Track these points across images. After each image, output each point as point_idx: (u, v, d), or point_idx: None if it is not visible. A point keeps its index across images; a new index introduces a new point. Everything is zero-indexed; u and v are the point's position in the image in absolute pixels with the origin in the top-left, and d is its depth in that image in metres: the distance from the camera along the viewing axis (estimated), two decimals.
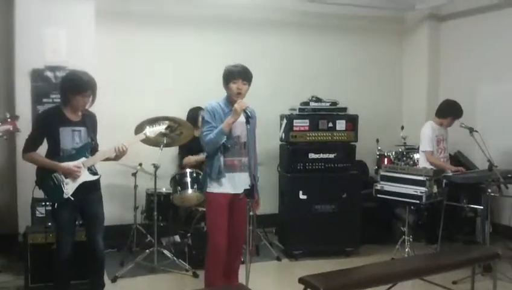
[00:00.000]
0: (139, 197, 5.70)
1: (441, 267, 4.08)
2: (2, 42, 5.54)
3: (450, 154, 6.21)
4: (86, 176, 4.06)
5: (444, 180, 5.39)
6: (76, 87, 3.96)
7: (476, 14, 6.71)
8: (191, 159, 5.60)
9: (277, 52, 6.73)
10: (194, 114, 5.77)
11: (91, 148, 4.14)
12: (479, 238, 5.62)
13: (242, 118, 3.90)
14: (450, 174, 5.42)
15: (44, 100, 5.24)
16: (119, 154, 4.17)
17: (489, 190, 5.00)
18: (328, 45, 7.03)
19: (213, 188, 4.02)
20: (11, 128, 3.76)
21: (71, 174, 3.96)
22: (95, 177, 4.14)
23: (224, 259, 4.02)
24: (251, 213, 3.69)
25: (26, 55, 5.20)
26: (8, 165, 5.55)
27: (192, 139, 5.30)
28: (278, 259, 5.64)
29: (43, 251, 4.43)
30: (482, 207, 5.17)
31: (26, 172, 4.53)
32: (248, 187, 3.66)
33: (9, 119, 3.79)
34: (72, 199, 3.97)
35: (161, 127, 4.66)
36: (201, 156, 5.32)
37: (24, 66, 5.21)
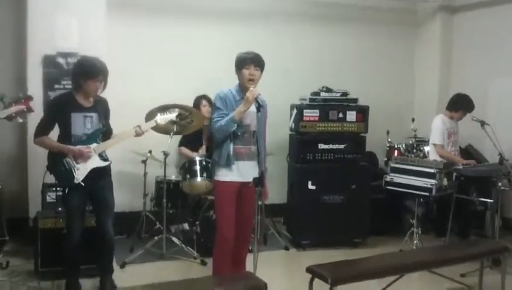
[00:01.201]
0: (148, 184, 5.73)
1: (448, 260, 4.08)
2: (15, 29, 5.56)
3: (460, 147, 6.18)
4: (96, 162, 4.09)
5: (455, 173, 5.37)
6: (88, 72, 3.98)
7: (489, 6, 6.64)
8: (184, 151, 5.64)
9: (288, 42, 6.71)
10: (197, 102, 5.81)
11: (102, 134, 4.16)
12: (488, 232, 5.60)
13: (253, 107, 3.89)
14: (461, 167, 5.39)
15: (56, 86, 5.27)
16: (138, 135, 4.25)
17: (499, 184, 4.99)
18: (340, 36, 6.99)
19: (221, 176, 4.02)
20: (25, 108, 3.74)
21: (82, 156, 3.98)
22: (105, 163, 4.17)
23: (232, 247, 4.03)
24: (260, 202, 3.69)
25: (38, 42, 5.21)
26: (19, 151, 5.60)
27: (194, 132, 5.33)
28: (286, 248, 5.66)
29: (53, 236, 4.46)
30: (492, 201, 5.15)
31: (37, 157, 4.56)
32: (257, 176, 3.65)
33: (22, 100, 3.77)
34: (83, 184, 4.00)
35: (172, 115, 4.68)
36: (193, 155, 5.36)
37: (36, 52, 5.22)
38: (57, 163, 4.00)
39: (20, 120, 3.77)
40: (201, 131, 5.61)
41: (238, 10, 6.46)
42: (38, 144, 4.08)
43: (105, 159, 4.19)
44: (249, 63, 3.95)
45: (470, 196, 5.44)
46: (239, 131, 3.97)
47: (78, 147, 4.00)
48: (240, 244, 4.11)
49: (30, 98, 3.77)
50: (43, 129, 4.04)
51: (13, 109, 3.65)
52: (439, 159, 5.58)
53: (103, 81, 4.06)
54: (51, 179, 4.18)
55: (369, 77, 7.06)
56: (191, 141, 5.64)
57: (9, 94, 3.86)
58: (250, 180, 3.71)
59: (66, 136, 4.03)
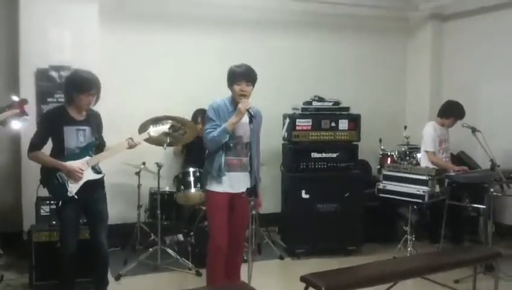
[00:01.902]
0: (142, 196, 5.73)
1: (442, 266, 4.09)
2: (7, 42, 5.58)
3: (453, 154, 6.22)
4: (90, 175, 4.10)
5: (447, 180, 5.40)
6: (80, 86, 3.99)
7: (480, 13, 6.71)
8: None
9: (280, 52, 6.74)
10: (195, 116, 5.82)
11: (95, 147, 4.17)
12: (481, 237, 5.62)
13: (246, 118, 3.91)
14: (453, 173, 5.43)
15: (49, 100, 5.29)
16: (131, 147, 4.25)
17: (491, 190, 5.02)
18: (331, 45, 7.04)
19: (212, 186, 4.03)
20: (19, 112, 3.71)
21: (73, 176, 3.99)
22: (99, 176, 4.18)
23: (225, 257, 4.04)
24: (253, 212, 3.71)
25: (30, 55, 5.24)
26: (13, 164, 5.59)
27: (196, 139, 5.34)
28: (281, 258, 5.66)
29: (48, 249, 4.46)
30: (484, 207, 5.18)
31: (31, 171, 4.56)
32: (250, 186, 3.68)
33: (16, 103, 3.70)
34: (76, 197, 4.01)
35: (164, 127, 4.69)
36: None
37: (29, 65, 5.25)
38: (50, 177, 4.01)
39: (15, 126, 3.72)
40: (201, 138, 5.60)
41: (231, 19, 6.50)
42: (32, 159, 4.09)
43: (99, 172, 4.20)
44: (240, 79, 3.96)
45: (463, 202, 5.48)
46: (231, 142, 3.99)
47: (71, 164, 4.00)
48: (233, 253, 4.13)
49: (25, 101, 3.74)
50: (36, 144, 4.05)
51: (7, 113, 3.62)
52: (431, 166, 5.61)
53: (96, 94, 4.07)
54: (44, 192, 4.19)
55: (361, 85, 7.11)
56: (193, 148, 5.64)
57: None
58: (241, 191, 3.73)
59: (59, 150, 4.04)
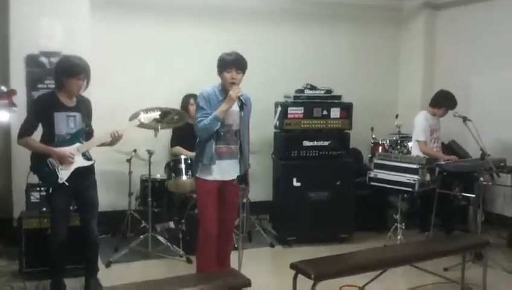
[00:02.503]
0: (133, 183, 5.73)
1: (431, 254, 4.14)
2: None
3: (443, 143, 6.24)
4: (80, 162, 4.07)
5: (437, 169, 5.42)
6: (70, 70, 3.96)
7: (473, 2, 6.70)
8: (180, 150, 5.62)
9: (272, 40, 6.72)
10: (185, 101, 5.82)
11: (85, 133, 4.15)
12: (471, 226, 5.66)
13: (236, 106, 3.91)
14: (443, 162, 5.45)
15: (39, 86, 5.25)
16: (114, 140, 4.19)
17: (481, 179, 5.04)
18: (324, 33, 7.03)
19: (202, 174, 4.04)
20: (7, 103, 3.66)
21: (64, 161, 3.98)
22: (89, 163, 4.16)
23: (215, 244, 4.05)
24: (244, 200, 3.72)
25: (20, 41, 5.18)
26: (2, 151, 5.56)
27: (186, 128, 5.31)
28: (272, 246, 5.69)
29: (38, 236, 4.46)
30: (474, 195, 5.20)
31: (21, 157, 4.54)
32: (240, 174, 3.68)
33: (5, 94, 3.68)
34: (67, 184, 3.99)
35: (155, 114, 4.66)
36: (191, 154, 5.34)
37: (18, 51, 5.20)
38: (41, 163, 3.98)
39: (2, 117, 3.68)
40: (192, 129, 5.57)
41: (223, 9, 6.46)
42: (22, 145, 4.06)
43: (89, 159, 4.18)
44: (230, 67, 3.95)
45: (453, 191, 5.51)
46: (221, 130, 3.98)
47: (62, 149, 3.98)
48: (223, 241, 4.15)
49: (13, 92, 3.68)
50: (26, 130, 4.02)
51: None
52: (422, 155, 5.63)
53: (86, 79, 4.04)
54: (34, 179, 4.18)
55: (353, 74, 7.11)
56: (183, 139, 5.61)
57: None
58: (231, 178, 3.73)
59: (49, 136, 4.01)
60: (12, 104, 3.66)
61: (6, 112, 3.68)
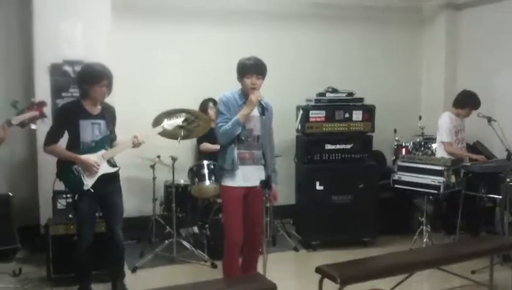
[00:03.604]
0: (157, 189, 5.77)
1: (458, 257, 4.08)
2: (22, 38, 5.63)
3: (468, 144, 6.16)
4: (105, 168, 4.12)
5: (462, 170, 5.36)
6: (92, 77, 4.02)
7: (494, 2, 6.61)
8: (208, 146, 5.65)
9: (293, 43, 6.72)
10: (204, 105, 5.85)
11: (110, 140, 4.20)
12: (498, 228, 5.58)
13: (256, 112, 3.93)
14: (468, 164, 5.38)
15: (64, 94, 5.32)
16: (135, 146, 4.24)
17: (508, 179, 4.96)
18: (345, 36, 7.00)
19: (227, 181, 4.02)
20: (38, 115, 3.72)
21: (88, 170, 4.03)
22: (114, 169, 4.21)
23: (240, 251, 4.04)
24: (268, 204, 3.71)
25: (44, 50, 5.26)
26: (29, 158, 5.65)
27: (209, 129, 5.35)
28: (296, 249, 5.67)
29: (65, 242, 4.51)
30: (500, 197, 5.13)
31: (47, 165, 4.60)
32: (264, 179, 3.68)
33: (36, 106, 3.75)
34: (92, 190, 4.04)
35: (178, 120, 4.70)
36: (216, 147, 5.34)
37: (43, 60, 5.27)
38: (66, 170, 4.05)
39: (33, 127, 3.74)
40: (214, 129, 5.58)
41: (241, 12, 6.48)
42: (48, 153, 4.13)
43: (114, 165, 4.23)
44: (250, 72, 3.93)
45: (479, 192, 5.42)
46: (243, 135, 3.97)
47: (87, 157, 4.04)
48: (251, 248, 4.13)
49: (43, 103, 3.75)
50: (52, 137, 4.09)
51: (27, 115, 3.62)
52: (447, 156, 5.57)
53: (108, 85, 4.09)
54: (61, 186, 4.23)
55: (375, 76, 7.06)
56: (208, 138, 5.64)
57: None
58: (256, 184, 3.73)
59: (75, 143, 4.07)
60: (42, 115, 3.72)
61: (38, 123, 3.74)
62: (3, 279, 4.76)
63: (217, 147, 5.28)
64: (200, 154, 5.85)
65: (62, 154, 4.07)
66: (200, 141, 5.82)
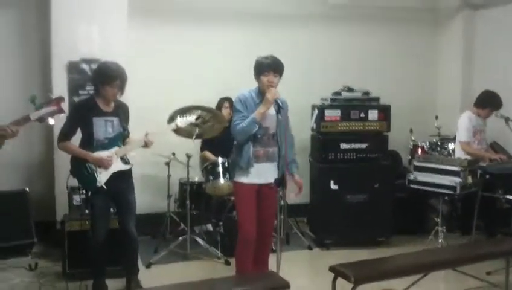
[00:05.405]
0: (172, 186, 5.80)
1: (474, 258, 4.05)
2: (39, 35, 5.68)
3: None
4: (118, 166, 4.16)
5: (479, 171, 5.30)
6: (104, 77, 4.06)
7: (511, 2, 6.53)
8: (208, 155, 5.67)
9: (309, 43, 6.71)
10: (219, 104, 5.86)
11: (123, 138, 4.23)
12: None
13: (272, 110, 3.94)
14: (485, 164, 5.32)
15: (81, 92, 5.35)
16: (147, 146, 4.26)
17: None
18: (360, 36, 6.96)
19: (240, 177, 4.05)
20: (56, 110, 3.76)
21: (102, 165, 4.07)
22: (127, 167, 4.24)
23: (253, 247, 4.05)
24: (282, 202, 3.72)
25: (62, 48, 5.30)
26: (46, 154, 5.72)
27: (224, 129, 5.35)
28: (309, 248, 5.66)
29: (80, 238, 4.53)
30: None
31: (64, 161, 4.63)
32: (278, 177, 3.68)
33: (54, 101, 3.76)
34: (105, 187, 4.08)
35: (191, 118, 4.69)
36: (215, 159, 5.38)
37: (60, 58, 5.31)
38: (80, 167, 4.09)
39: (51, 122, 3.76)
40: (221, 135, 5.59)
41: (256, 12, 6.47)
42: (61, 149, 4.19)
43: (127, 162, 4.25)
44: (268, 70, 3.95)
45: (496, 193, 5.36)
46: (259, 133, 3.99)
47: (99, 154, 4.07)
48: (261, 244, 4.14)
49: (61, 99, 3.76)
50: (65, 134, 4.14)
51: (44, 110, 3.64)
52: (464, 156, 5.51)
53: (120, 86, 4.12)
54: (75, 182, 4.27)
55: (391, 76, 7.01)
56: (212, 145, 5.67)
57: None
58: (269, 181, 3.74)
59: (88, 140, 4.11)
60: (61, 111, 3.74)
61: (56, 118, 3.77)
62: (20, 273, 4.83)
63: (216, 159, 5.32)
64: (215, 150, 5.85)
65: (74, 151, 4.12)
66: (203, 148, 5.83)
